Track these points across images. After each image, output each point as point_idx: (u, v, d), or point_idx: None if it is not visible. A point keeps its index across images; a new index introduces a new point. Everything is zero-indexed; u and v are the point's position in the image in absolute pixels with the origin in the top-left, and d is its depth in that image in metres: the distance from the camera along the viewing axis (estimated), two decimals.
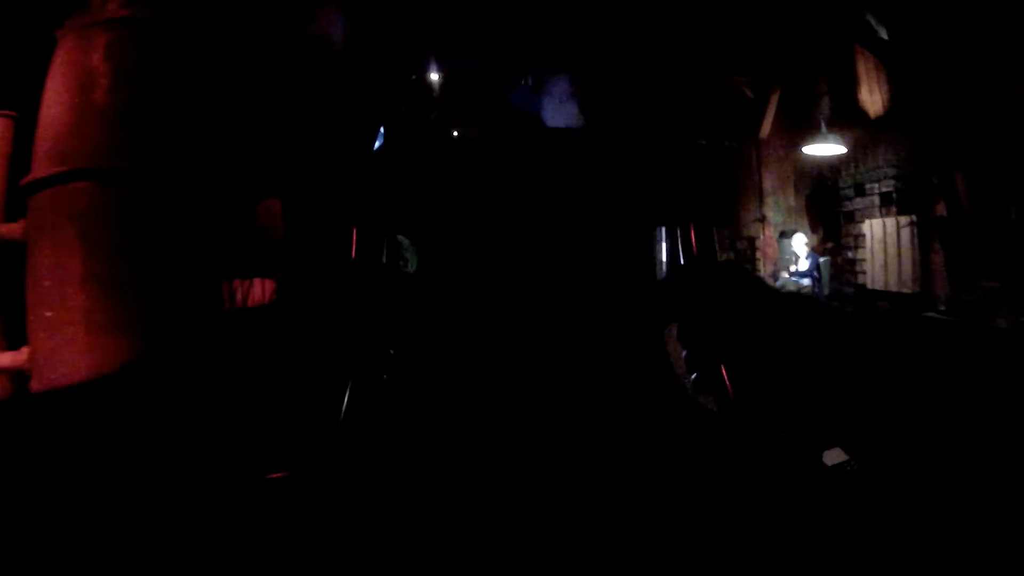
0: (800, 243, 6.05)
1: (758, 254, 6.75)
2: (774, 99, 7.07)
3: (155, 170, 2.39)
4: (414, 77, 7.15)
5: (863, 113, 6.83)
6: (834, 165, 7.25)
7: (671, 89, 7.07)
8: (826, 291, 6.03)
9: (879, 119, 6.64)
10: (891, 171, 6.40)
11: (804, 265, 5.94)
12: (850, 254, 6.47)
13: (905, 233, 5.42)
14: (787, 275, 5.98)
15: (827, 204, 7.22)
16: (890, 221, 5.65)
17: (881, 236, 5.64)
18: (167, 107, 2.46)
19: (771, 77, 7.15)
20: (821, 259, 6.11)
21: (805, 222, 7.37)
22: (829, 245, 6.97)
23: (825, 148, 5.85)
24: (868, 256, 5.74)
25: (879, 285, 5.53)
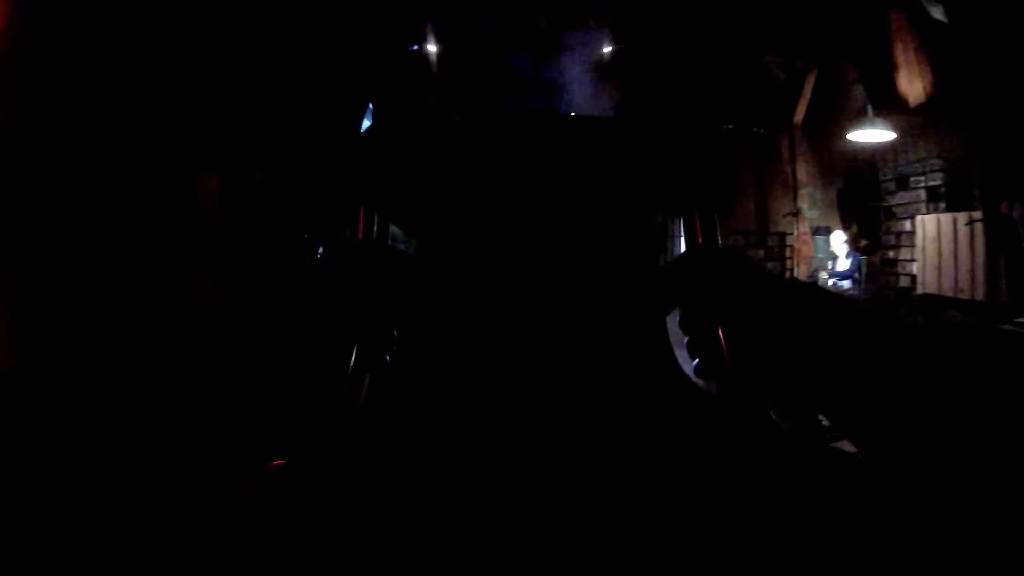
0: (839, 241, 5.45)
1: (788, 252, 6.13)
2: (810, 81, 6.44)
3: (53, 136, 1.76)
4: (413, 48, 6.50)
5: (902, 101, 6.24)
6: (870, 156, 6.65)
7: (693, 70, 6.47)
8: (864, 294, 5.43)
9: (921, 107, 6.06)
10: (938, 163, 5.80)
11: (844, 265, 5.34)
12: (891, 254, 5.87)
13: (963, 232, 4.80)
14: (826, 276, 5.37)
15: (862, 198, 6.61)
16: (945, 218, 5.04)
17: (935, 235, 5.04)
18: (75, 61, 1.83)
19: (806, 57, 6.51)
20: (861, 258, 5.51)
21: (836, 217, 6.77)
22: (864, 243, 6.37)
23: (872, 135, 5.23)
24: (919, 257, 5.14)
25: (931, 289, 4.93)
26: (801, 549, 0.49)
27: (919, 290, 5.03)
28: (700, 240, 0.62)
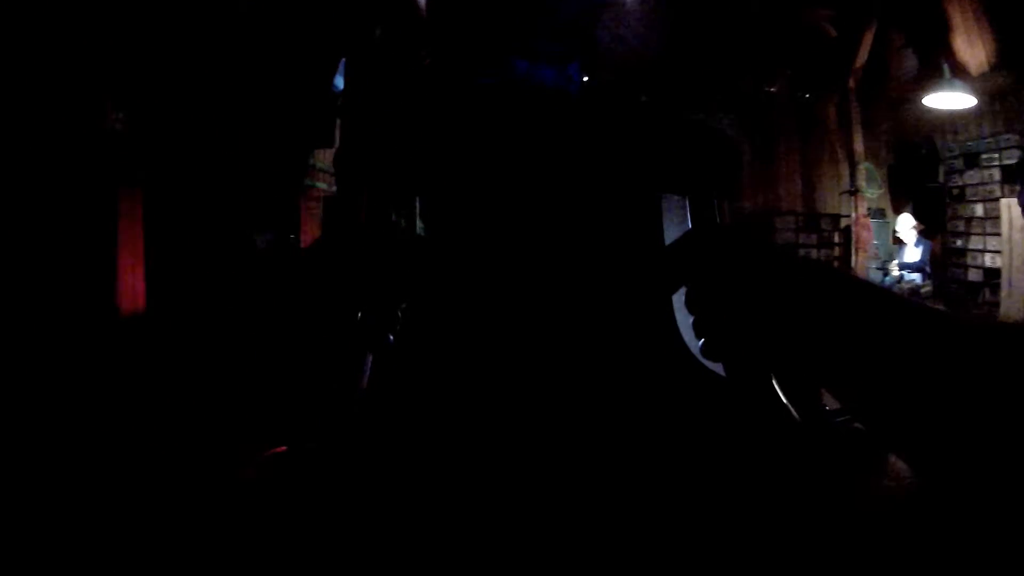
0: (907, 226, 4.67)
1: (838, 237, 5.34)
2: (868, 37, 5.57)
3: None
4: None
5: (961, 68, 5.46)
6: (926, 130, 5.86)
7: (724, 22, 5.60)
8: (933, 288, 4.69)
9: (985, 76, 5.29)
10: (1015, 139, 5.06)
11: (914, 255, 4.57)
12: (958, 242, 5.12)
13: None
14: (896, 268, 4.60)
15: (919, 177, 5.84)
16: None
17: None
18: None
19: (864, 8, 5.62)
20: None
21: (887, 198, 6.00)
22: (921, 228, 5.63)
23: (950, 99, 4.42)
24: (1004, 248, 4.38)
25: (1022, 290, 4.19)
26: (808, 530, 0.50)
27: (1005, 289, 4.29)
28: (706, 219, 0.63)
